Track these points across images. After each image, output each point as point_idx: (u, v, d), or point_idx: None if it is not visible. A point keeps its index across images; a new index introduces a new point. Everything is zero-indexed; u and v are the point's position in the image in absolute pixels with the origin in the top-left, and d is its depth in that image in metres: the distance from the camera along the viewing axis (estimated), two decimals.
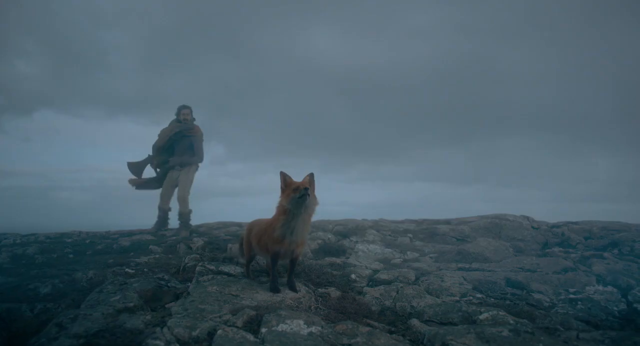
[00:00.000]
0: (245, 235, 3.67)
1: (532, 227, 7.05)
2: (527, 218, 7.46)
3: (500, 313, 2.88)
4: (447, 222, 7.71)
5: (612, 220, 7.29)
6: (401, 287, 3.58)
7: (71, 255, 5.85)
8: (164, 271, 4.34)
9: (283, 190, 3.14)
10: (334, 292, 3.42)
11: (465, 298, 3.46)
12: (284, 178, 3.14)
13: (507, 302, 3.37)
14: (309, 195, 2.99)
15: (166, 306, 3.15)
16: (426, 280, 3.84)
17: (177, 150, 7.79)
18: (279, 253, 3.16)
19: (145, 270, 4.50)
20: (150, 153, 8.08)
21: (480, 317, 2.85)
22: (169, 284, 3.46)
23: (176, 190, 7.72)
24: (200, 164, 7.93)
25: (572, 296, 3.63)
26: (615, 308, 3.45)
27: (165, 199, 7.71)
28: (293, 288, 3.28)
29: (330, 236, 6.29)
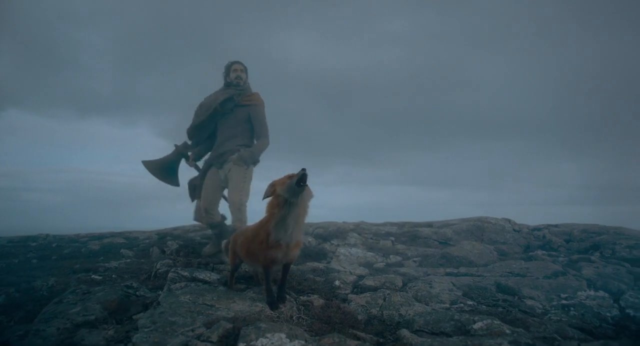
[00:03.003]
0: (230, 247, 3.30)
1: (514, 230, 7.00)
2: (509, 221, 7.40)
3: (495, 322, 2.70)
4: (429, 224, 7.58)
5: (580, 222, 7.28)
6: (388, 294, 3.37)
7: (34, 260, 5.46)
8: (133, 277, 4.04)
9: (271, 193, 2.73)
10: (317, 300, 3.18)
11: (456, 306, 3.28)
12: (273, 184, 2.72)
13: (500, 309, 3.21)
14: (307, 177, 2.57)
15: (133, 317, 2.86)
16: (414, 286, 3.65)
17: (222, 129, 4.84)
18: (276, 259, 2.75)
19: (113, 276, 4.19)
20: (183, 142, 5.10)
21: (475, 326, 2.66)
22: (137, 293, 3.16)
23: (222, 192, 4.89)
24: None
25: (564, 302, 3.50)
26: (608, 314, 3.33)
27: (212, 209, 4.75)
28: (283, 300, 2.92)
29: (310, 239, 6.08)
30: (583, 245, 6.03)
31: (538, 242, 6.52)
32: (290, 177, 2.66)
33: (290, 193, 2.61)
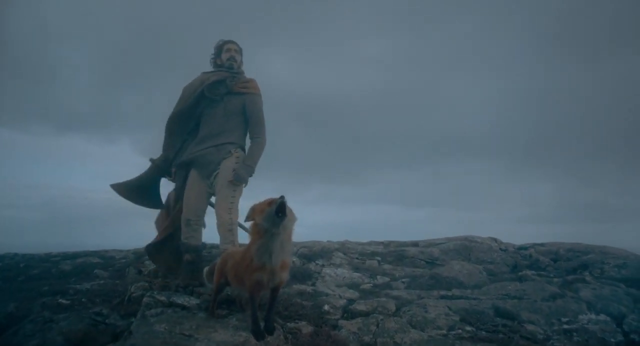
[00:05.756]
0: (218, 267, 3.01)
1: (500, 249, 6.84)
2: (495, 239, 7.25)
3: None
4: (415, 244, 7.36)
5: (561, 240, 7.18)
6: (381, 320, 3.15)
7: None
8: (105, 302, 3.71)
9: (252, 216, 2.48)
10: (305, 327, 2.93)
11: (454, 332, 3.06)
12: (253, 209, 2.48)
13: (501, 336, 3.01)
14: (286, 207, 2.33)
15: None
16: (408, 310, 3.43)
17: (208, 120, 3.80)
18: (262, 283, 2.46)
19: (83, 300, 3.85)
20: (160, 155, 4.00)
21: None
22: (106, 321, 2.88)
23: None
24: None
25: (565, 326, 3.33)
26: (612, 340, 3.18)
27: (196, 221, 3.75)
28: (270, 330, 2.55)
29: (295, 259, 5.80)
30: (571, 265, 5.90)
31: (525, 261, 6.38)
32: (269, 203, 2.40)
33: (270, 223, 2.37)
